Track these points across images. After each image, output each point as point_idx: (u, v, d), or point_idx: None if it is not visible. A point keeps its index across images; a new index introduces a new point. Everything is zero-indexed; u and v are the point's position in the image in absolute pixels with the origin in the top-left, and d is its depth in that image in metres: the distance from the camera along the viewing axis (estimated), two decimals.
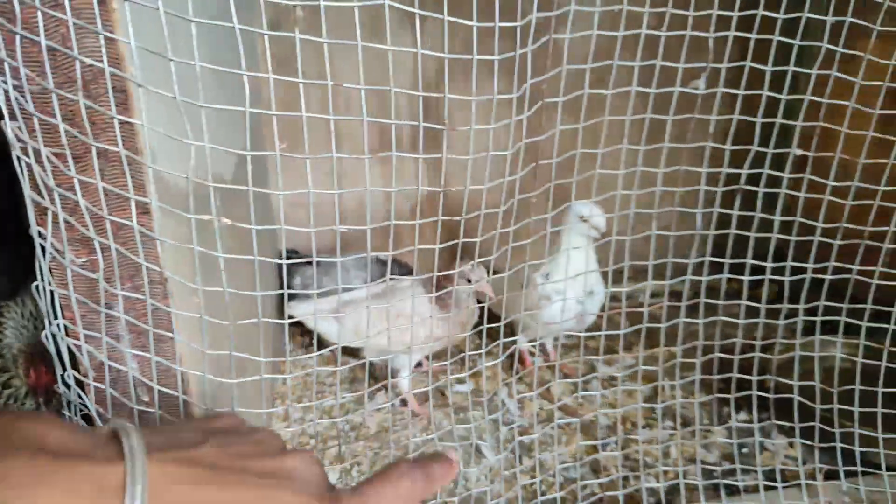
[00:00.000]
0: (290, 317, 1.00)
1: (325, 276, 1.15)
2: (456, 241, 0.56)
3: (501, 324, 0.67)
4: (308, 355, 1.09)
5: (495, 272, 0.89)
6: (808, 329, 0.75)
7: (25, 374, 0.76)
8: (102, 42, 0.40)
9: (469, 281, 0.90)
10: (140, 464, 0.27)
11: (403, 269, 1.20)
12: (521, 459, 0.88)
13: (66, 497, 0.25)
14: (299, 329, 1.20)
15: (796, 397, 0.73)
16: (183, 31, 0.40)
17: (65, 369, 0.50)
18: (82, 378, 0.51)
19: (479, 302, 0.95)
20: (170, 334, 0.48)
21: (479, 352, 0.70)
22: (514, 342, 0.68)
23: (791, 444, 0.89)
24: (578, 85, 0.56)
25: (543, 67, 0.53)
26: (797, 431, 0.75)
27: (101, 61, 0.41)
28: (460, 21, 0.44)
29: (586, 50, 0.54)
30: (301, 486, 0.30)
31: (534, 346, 1.14)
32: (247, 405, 0.52)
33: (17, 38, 0.40)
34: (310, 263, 1.16)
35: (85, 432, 0.29)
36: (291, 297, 1.08)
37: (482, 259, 0.59)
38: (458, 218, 0.56)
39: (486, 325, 0.65)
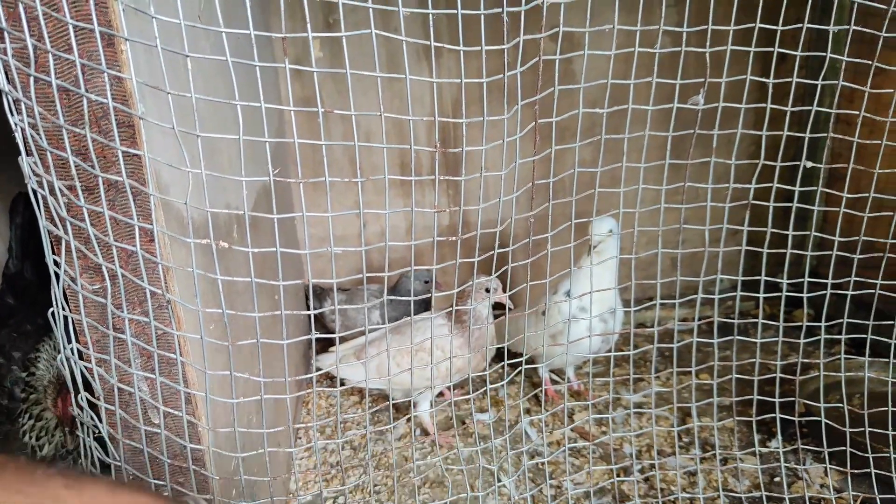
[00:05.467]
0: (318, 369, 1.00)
1: (348, 304, 1.15)
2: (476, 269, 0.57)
3: (505, 345, 0.66)
4: (321, 374, 1.07)
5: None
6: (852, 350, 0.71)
7: (53, 404, 0.79)
8: (107, 80, 0.42)
9: (487, 291, 0.89)
10: None
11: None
12: (539, 486, 0.85)
13: None
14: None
15: (824, 420, 0.70)
16: (196, 71, 0.42)
17: (78, 392, 0.52)
18: (95, 401, 0.53)
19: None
20: (173, 355, 0.50)
21: (485, 373, 0.69)
22: (522, 364, 0.67)
23: (827, 472, 0.84)
24: (587, 109, 0.56)
25: (542, 89, 0.54)
26: (826, 456, 0.71)
27: (109, 99, 0.43)
28: (448, 47, 0.46)
29: (593, 75, 0.55)
30: None
31: (552, 374, 1.11)
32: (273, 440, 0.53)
33: (32, 79, 0.43)
34: (323, 291, 1.18)
35: None
36: (317, 350, 1.07)
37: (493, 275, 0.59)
38: (472, 259, 0.56)
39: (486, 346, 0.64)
